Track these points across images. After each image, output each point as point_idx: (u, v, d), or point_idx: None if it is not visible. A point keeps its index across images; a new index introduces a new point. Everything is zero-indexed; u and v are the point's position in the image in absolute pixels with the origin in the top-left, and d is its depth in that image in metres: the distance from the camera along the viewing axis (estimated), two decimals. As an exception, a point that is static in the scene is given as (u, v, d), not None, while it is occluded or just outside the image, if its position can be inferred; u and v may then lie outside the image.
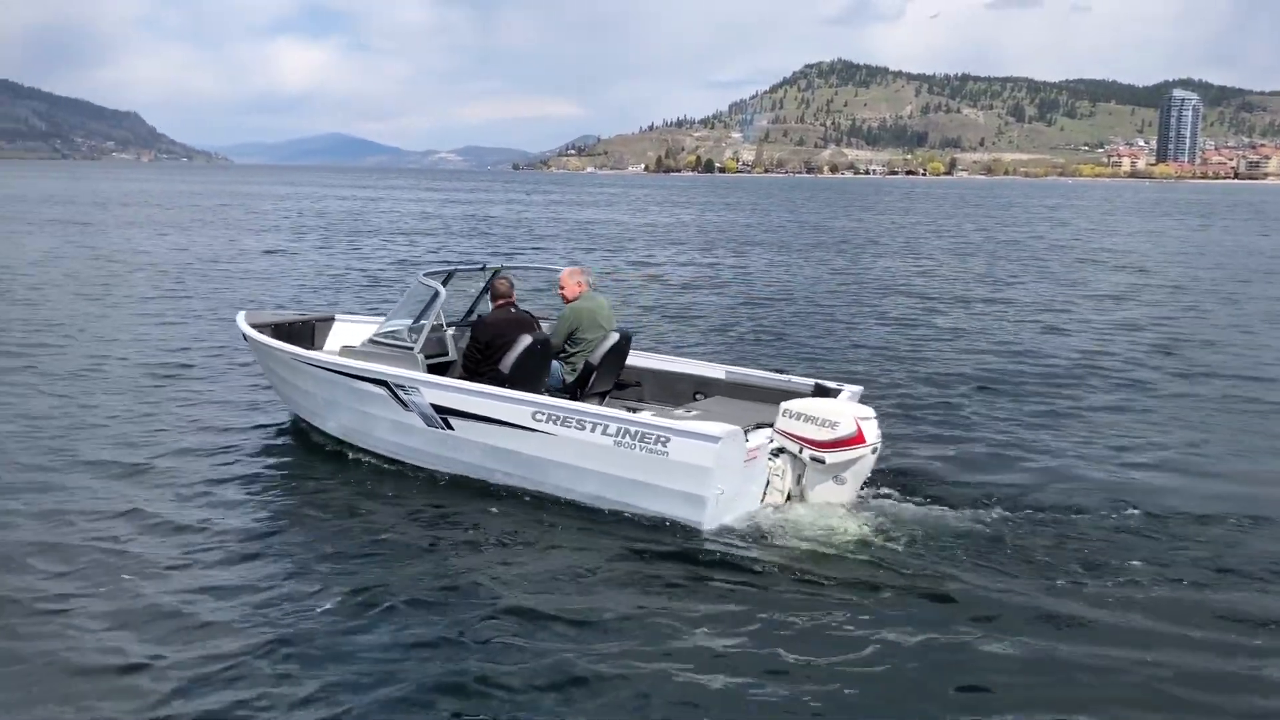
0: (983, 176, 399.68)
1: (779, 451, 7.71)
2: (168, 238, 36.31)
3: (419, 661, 5.45)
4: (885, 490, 8.08)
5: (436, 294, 8.98)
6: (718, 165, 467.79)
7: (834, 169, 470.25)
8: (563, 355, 8.95)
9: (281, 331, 10.32)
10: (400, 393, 8.41)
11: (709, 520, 7.26)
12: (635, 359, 9.60)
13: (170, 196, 78.08)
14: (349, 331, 10.62)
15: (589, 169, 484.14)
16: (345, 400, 8.96)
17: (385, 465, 8.82)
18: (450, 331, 9.72)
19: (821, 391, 8.47)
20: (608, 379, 9.21)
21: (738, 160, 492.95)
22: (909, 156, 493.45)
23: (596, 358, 8.90)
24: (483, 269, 10.06)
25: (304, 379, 9.39)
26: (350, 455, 9.12)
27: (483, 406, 7.96)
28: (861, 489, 7.83)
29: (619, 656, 5.49)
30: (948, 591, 6.33)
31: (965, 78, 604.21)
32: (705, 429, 7.19)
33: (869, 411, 7.67)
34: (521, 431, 7.78)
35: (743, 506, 7.50)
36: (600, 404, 8.77)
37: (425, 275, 9.30)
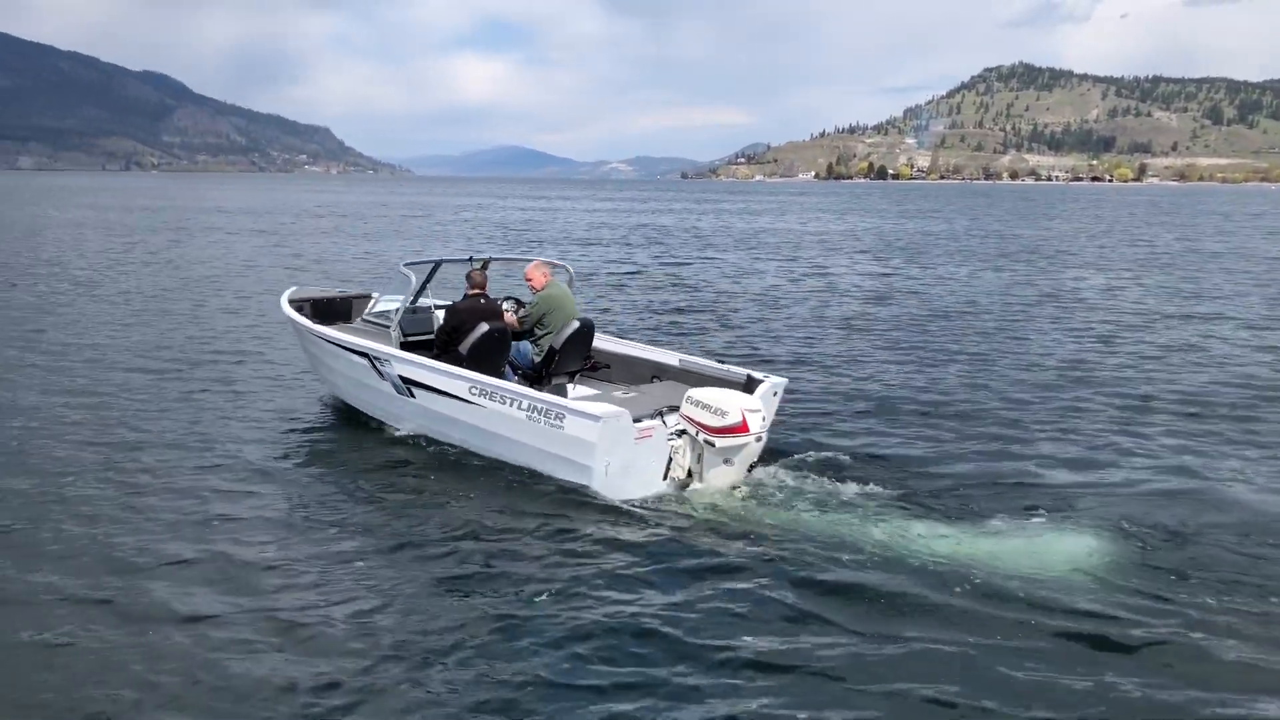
0: (1175, 183, 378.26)
1: (682, 433, 8.63)
2: (357, 246, 37.91)
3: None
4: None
5: (411, 281, 10.38)
6: (891, 172, 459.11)
7: (1013, 175, 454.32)
8: (533, 338, 10.15)
9: (320, 307, 11.92)
10: (377, 364, 10.00)
11: (599, 486, 8.33)
12: (607, 345, 10.93)
13: (358, 207, 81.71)
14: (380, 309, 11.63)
15: (757, 177, 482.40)
16: (341, 368, 10.66)
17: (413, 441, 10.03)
18: (439, 314, 10.76)
19: (750, 381, 9.34)
20: (572, 361, 10.28)
21: (912, 166, 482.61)
22: (1094, 162, 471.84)
23: (559, 342, 9.96)
24: (469, 260, 10.94)
25: (317, 349, 11.06)
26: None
27: (434, 380, 9.39)
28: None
29: (506, 611, 6.34)
30: (810, 566, 6.98)
31: (1157, 79, 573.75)
32: (592, 409, 8.28)
33: (757, 404, 8.53)
34: (461, 403, 9.17)
35: (643, 478, 8.53)
36: (570, 383, 10.19)
37: (405, 265, 10.61)
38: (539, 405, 8.54)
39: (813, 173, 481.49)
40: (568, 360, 10.14)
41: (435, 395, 9.38)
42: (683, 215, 73.04)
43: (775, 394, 9.23)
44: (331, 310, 11.97)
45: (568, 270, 11.25)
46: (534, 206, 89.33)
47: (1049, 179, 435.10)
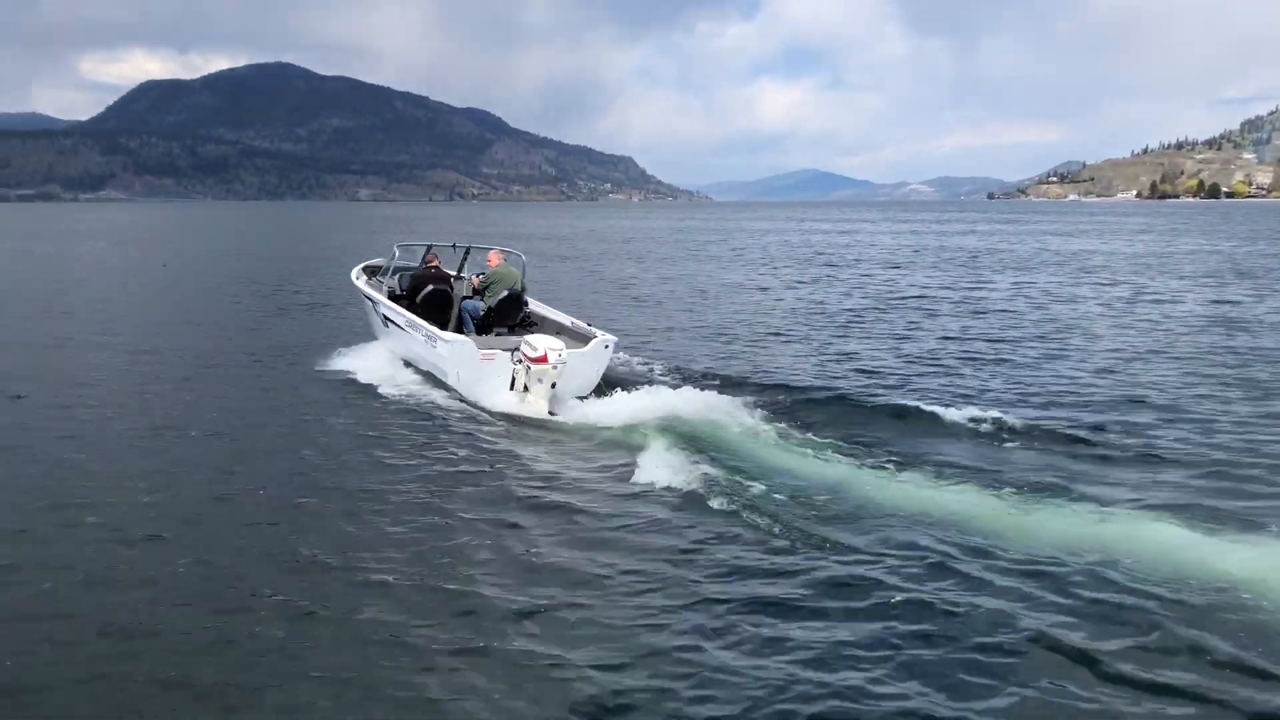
0: None
1: (520, 361, 12.35)
2: (660, 270, 38.86)
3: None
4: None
5: (396, 254, 16.69)
6: (1225, 189, 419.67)
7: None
8: (483, 299, 14.91)
9: (383, 271, 17.17)
10: (375, 307, 15.73)
11: (456, 388, 12.95)
12: (540, 310, 15.53)
13: (661, 232, 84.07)
14: None
15: (1071, 196, 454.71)
16: (366, 310, 16.52)
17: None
18: None
19: (590, 335, 13.63)
20: (506, 318, 14.87)
21: (1250, 184, 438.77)
22: None
23: (494, 304, 14.78)
24: (453, 247, 16.91)
25: (358, 299, 17.30)
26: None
27: (396, 318, 14.64)
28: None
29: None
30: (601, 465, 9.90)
31: None
32: (446, 337, 13.08)
33: (560, 345, 12.32)
34: (404, 332, 14.42)
35: (490, 387, 12.57)
36: (508, 333, 14.48)
37: (398, 244, 16.94)
38: (428, 334, 13.52)
39: (1134, 191, 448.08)
40: (503, 317, 14.84)
41: (396, 328, 14.70)
42: (989, 236, 69.66)
43: (606, 347, 13.28)
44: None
45: (521, 258, 15.97)
46: (832, 229, 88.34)
47: None
